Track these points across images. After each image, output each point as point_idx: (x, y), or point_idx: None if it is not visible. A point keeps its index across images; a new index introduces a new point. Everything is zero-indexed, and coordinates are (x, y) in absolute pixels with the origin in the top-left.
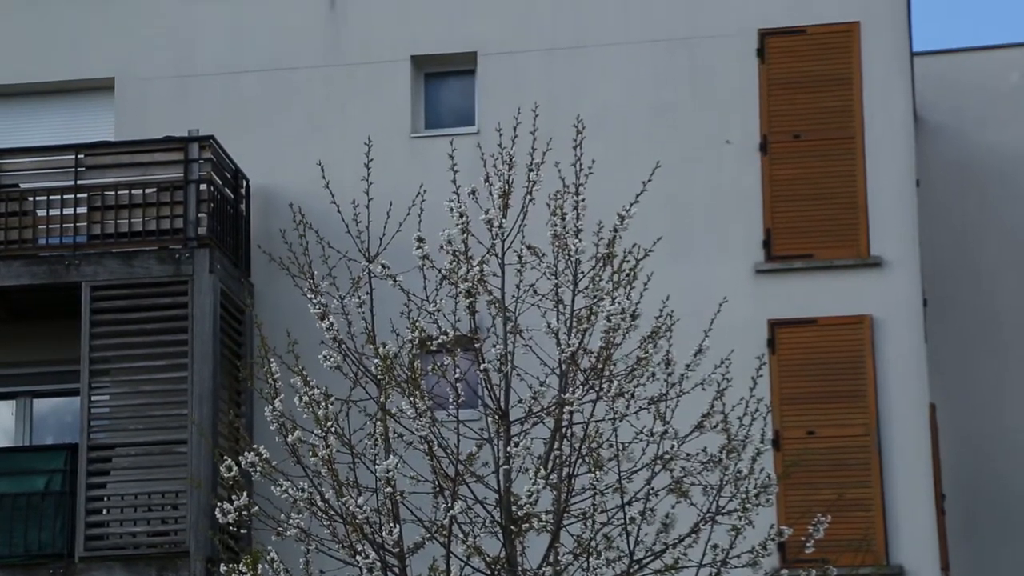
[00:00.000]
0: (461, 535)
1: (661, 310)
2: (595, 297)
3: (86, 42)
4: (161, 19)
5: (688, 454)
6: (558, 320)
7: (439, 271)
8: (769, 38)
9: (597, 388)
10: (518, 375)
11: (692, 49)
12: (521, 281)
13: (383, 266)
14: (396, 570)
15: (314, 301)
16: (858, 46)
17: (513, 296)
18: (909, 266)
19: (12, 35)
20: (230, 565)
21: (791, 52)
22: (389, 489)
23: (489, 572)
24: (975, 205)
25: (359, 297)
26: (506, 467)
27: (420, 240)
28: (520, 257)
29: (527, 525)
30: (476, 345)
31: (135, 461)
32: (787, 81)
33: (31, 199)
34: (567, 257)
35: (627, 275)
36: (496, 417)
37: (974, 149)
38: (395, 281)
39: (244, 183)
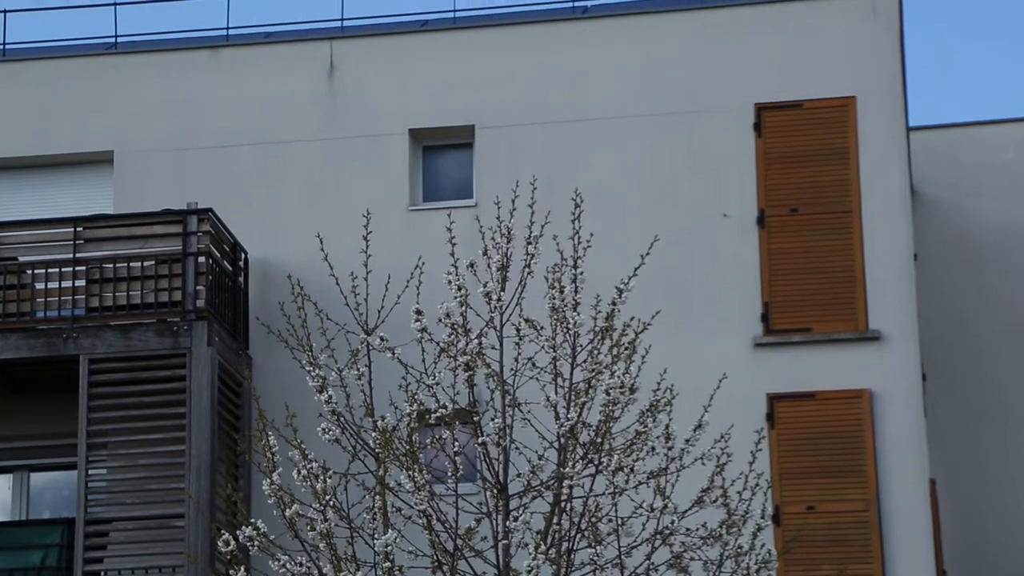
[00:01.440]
0: None
1: (660, 384)
2: (594, 370)
3: (85, 115)
4: (160, 92)
5: (688, 529)
6: (557, 393)
7: (437, 344)
8: (766, 112)
9: (596, 462)
10: (517, 449)
11: (689, 123)
12: (520, 354)
13: (381, 339)
14: None
15: (312, 374)
16: (854, 121)
17: (512, 369)
18: (908, 340)
19: (12, 108)
20: None
21: (788, 126)
22: (388, 564)
23: None
24: (973, 279)
25: (358, 370)
26: (505, 542)
27: (418, 313)
28: (518, 330)
29: None
30: (475, 418)
31: (132, 535)
32: (784, 155)
33: (29, 272)
34: (566, 330)
35: (626, 349)
36: (495, 491)
37: (971, 223)
38: (393, 354)
39: (242, 255)
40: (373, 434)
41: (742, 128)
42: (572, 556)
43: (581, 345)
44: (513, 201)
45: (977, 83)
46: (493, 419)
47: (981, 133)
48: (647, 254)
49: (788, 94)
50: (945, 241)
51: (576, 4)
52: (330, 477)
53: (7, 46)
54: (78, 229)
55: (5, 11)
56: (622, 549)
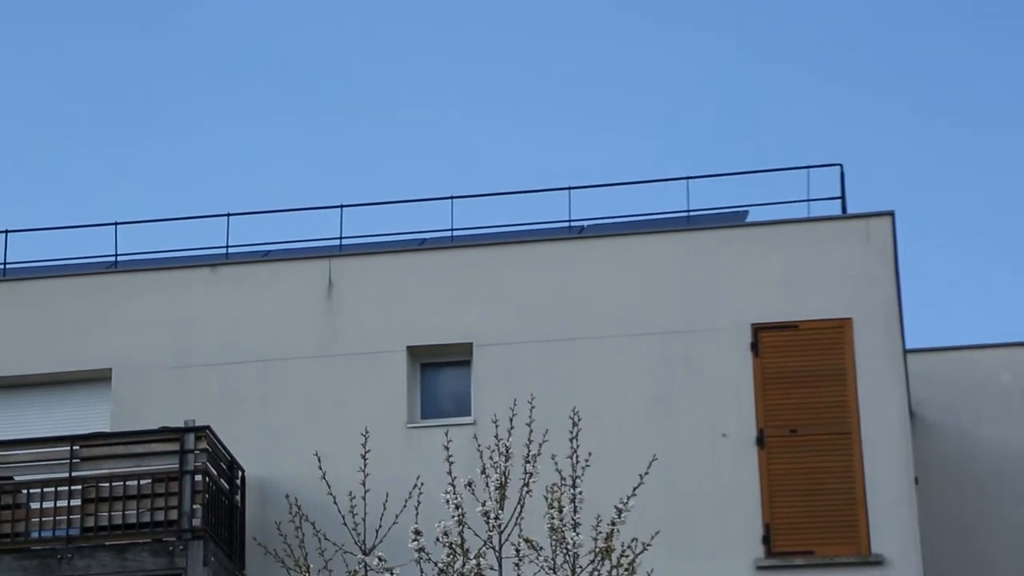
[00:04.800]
0: None
1: None
2: None
3: (84, 334)
4: (159, 310)
5: None
6: None
7: (436, 564)
8: (763, 332)
9: None
10: None
11: (687, 342)
12: (519, 575)
13: (380, 559)
14: None
15: None
16: (851, 342)
17: None
18: (910, 564)
19: (12, 327)
20: None
21: (785, 347)
22: None
23: None
24: (974, 502)
25: None
26: None
27: (417, 533)
28: (518, 550)
29: None
30: None
31: None
32: (782, 375)
33: (25, 492)
34: (565, 551)
35: (626, 569)
36: None
37: (971, 446)
38: (392, 574)
39: (240, 474)
40: None
41: (739, 348)
42: None
43: (581, 566)
44: (511, 419)
45: (972, 306)
46: None
47: (978, 357)
48: (646, 474)
49: (784, 315)
50: (946, 464)
51: (572, 223)
52: None
53: (8, 265)
54: (75, 447)
55: (7, 231)
56: None
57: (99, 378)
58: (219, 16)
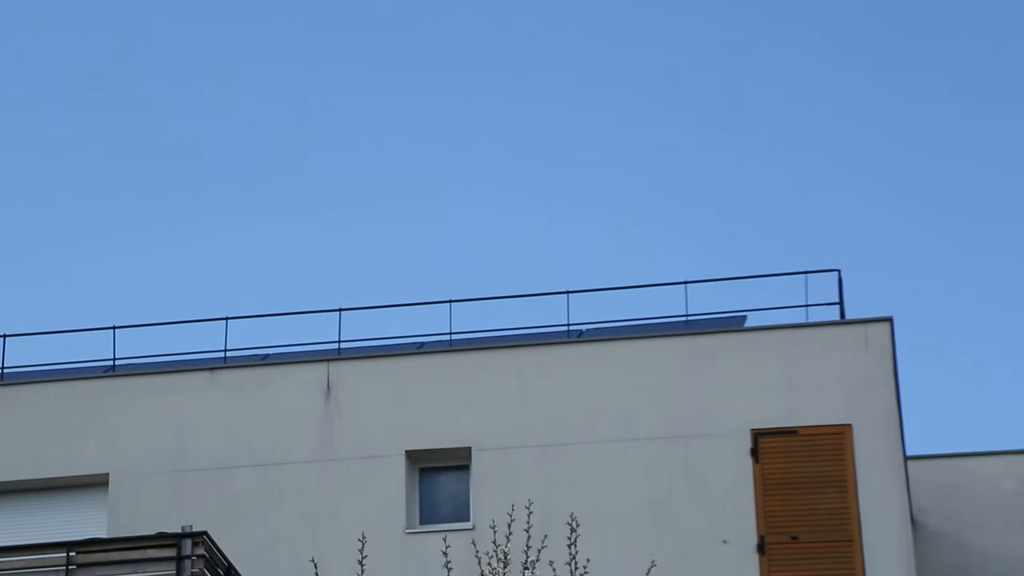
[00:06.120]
0: None
1: None
2: None
3: (81, 438)
4: (156, 414)
5: None
6: None
7: None
8: (762, 438)
9: None
10: None
11: (686, 447)
12: None
13: None
14: None
15: None
16: (851, 448)
17: None
18: None
19: (9, 431)
20: None
21: (785, 453)
22: None
23: None
24: None
25: None
26: None
27: None
28: None
29: None
30: None
31: None
32: (782, 481)
33: None
34: None
35: None
36: None
37: (972, 554)
38: None
39: None
40: None
41: (739, 453)
42: None
43: None
44: (509, 525)
45: (972, 413)
46: None
47: (979, 465)
48: None
49: (784, 420)
50: (948, 572)
51: (571, 328)
52: None
53: (7, 369)
54: (71, 554)
55: (5, 335)
56: None
57: (96, 483)
58: (217, 116)
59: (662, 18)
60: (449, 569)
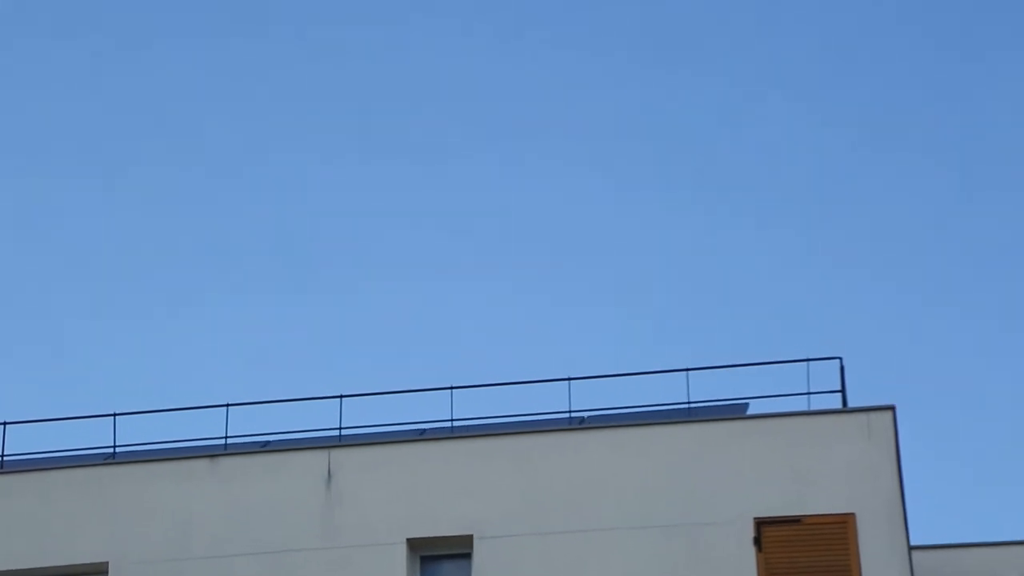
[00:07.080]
0: None
1: None
2: None
3: (81, 527)
4: (157, 502)
5: None
6: None
7: None
8: (765, 527)
9: None
10: None
11: (689, 535)
12: None
13: None
14: None
15: None
16: (854, 538)
17: None
18: None
19: (8, 520)
20: None
21: (788, 542)
22: None
23: None
24: None
25: None
26: None
27: None
28: None
29: None
30: None
31: None
32: (785, 571)
33: None
34: None
35: None
36: None
37: None
38: None
39: None
40: None
41: (742, 542)
42: None
43: None
44: None
45: (977, 502)
46: None
47: (984, 555)
48: None
49: (787, 509)
50: None
51: (573, 414)
52: None
53: (7, 457)
54: None
55: (5, 423)
56: None
57: (96, 572)
58: (215, 202)
59: (665, 91)
60: None
